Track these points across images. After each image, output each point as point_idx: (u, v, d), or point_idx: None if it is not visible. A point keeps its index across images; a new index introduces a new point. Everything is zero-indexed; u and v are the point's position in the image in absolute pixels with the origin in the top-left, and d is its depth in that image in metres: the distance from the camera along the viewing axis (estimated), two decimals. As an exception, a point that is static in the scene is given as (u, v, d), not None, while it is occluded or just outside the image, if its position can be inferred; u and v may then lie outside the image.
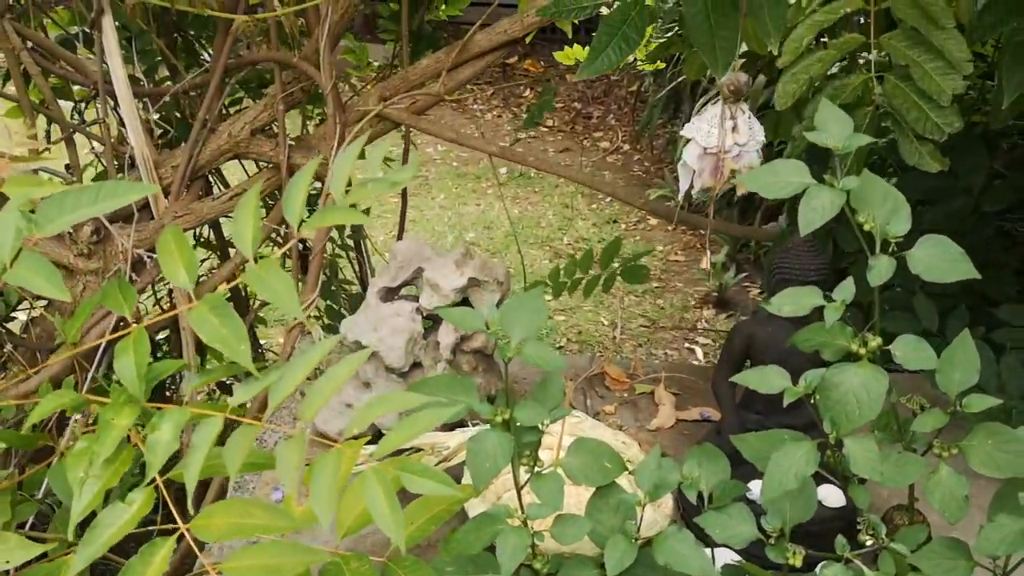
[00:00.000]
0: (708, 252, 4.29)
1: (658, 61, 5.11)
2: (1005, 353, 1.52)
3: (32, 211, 0.75)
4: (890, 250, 0.88)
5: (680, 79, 5.08)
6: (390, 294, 1.32)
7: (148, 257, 1.52)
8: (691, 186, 1.45)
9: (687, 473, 0.94)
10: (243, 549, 0.74)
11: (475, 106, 7.34)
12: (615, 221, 5.17)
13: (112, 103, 1.66)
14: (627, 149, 6.42)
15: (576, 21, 1.64)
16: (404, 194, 2.58)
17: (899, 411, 0.99)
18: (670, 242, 4.91)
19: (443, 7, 2.70)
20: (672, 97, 5.55)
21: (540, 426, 0.92)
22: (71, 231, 1.51)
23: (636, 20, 1.47)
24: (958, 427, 0.94)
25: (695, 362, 3.77)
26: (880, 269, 0.86)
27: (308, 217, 0.75)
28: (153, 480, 0.74)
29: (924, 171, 1.35)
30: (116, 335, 0.80)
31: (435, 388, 0.92)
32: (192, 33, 2.23)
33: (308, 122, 2.37)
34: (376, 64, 3.00)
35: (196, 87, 1.76)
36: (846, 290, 0.93)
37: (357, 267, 2.52)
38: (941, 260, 0.85)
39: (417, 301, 1.30)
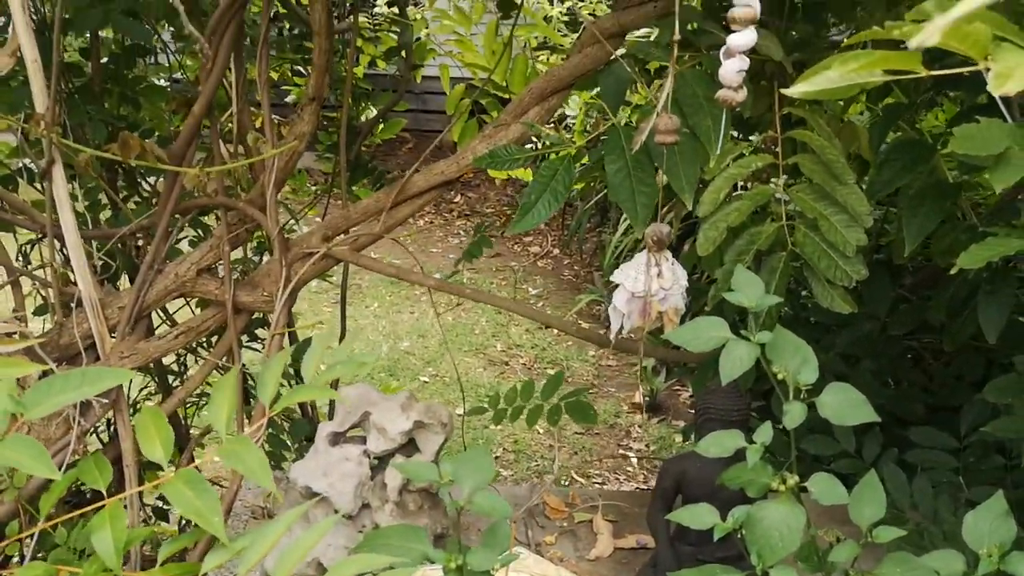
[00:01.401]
0: (640, 386, 4.41)
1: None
2: (917, 475, 1.62)
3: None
4: (802, 396, 0.98)
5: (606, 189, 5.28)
6: (337, 438, 1.37)
7: (96, 401, 1.53)
8: (621, 327, 1.54)
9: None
10: None
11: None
12: (547, 327, 5.27)
13: (59, 245, 1.69)
14: (557, 254, 6.59)
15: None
16: (343, 308, 2.64)
17: (818, 542, 1.07)
18: (600, 348, 5.03)
19: (378, 131, 2.82)
20: (600, 203, 5.76)
21: (490, 571, 0.97)
22: (15, 377, 1.51)
23: (563, 175, 1.58)
24: (873, 555, 1.02)
25: (629, 469, 3.83)
26: (794, 414, 0.95)
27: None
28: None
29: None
30: (92, 507, 0.83)
31: (389, 538, 0.97)
32: (132, 165, 2.29)
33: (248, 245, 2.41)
34: (313, 188, 3.09)
35: (142, 228, 1.80)
36: (764, 432, 1.02)
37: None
38: (846, 405, 0.95)
39: (364, 443, 1.34)
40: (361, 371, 0.96)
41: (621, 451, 3.98)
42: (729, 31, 1.03)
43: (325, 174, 3.13)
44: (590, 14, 4.35)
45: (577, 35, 1.82)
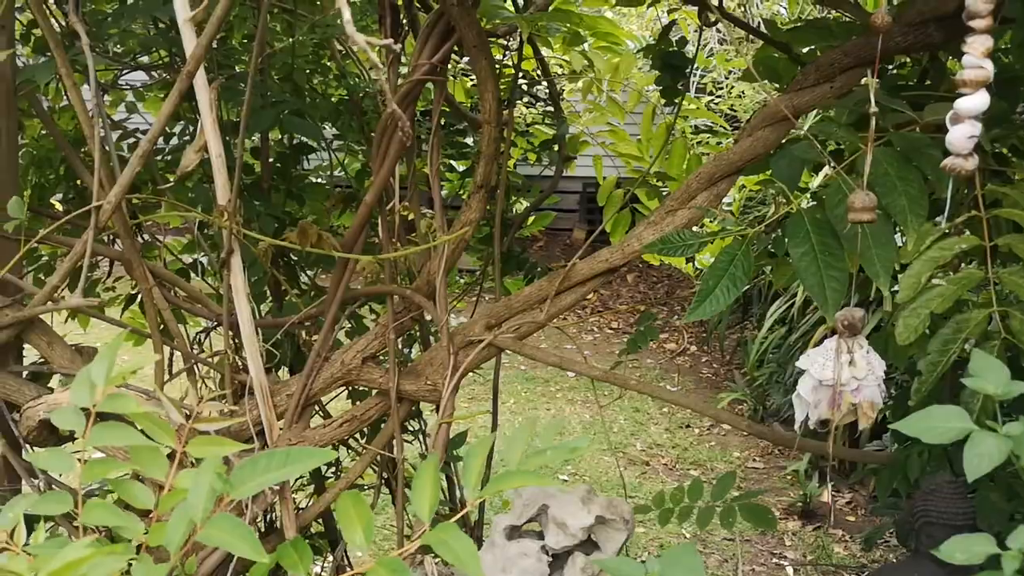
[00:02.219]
0: (828, 483, 4.19)
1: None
2: None
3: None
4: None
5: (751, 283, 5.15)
6: (514, 532, 1.30)
7: (268, 489, 1.52)
8: (807, 418, 1.43)
9: None
10: None
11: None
12: (688, 426, 5.10)
13: (232, 334, 1.72)
14: (694, 351, 6.43)
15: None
16: (495, 399, 2.60)
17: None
18: (746, 448, 4.81)
19: (529, 224, 2.82)
20: (740, 299, 5.61)
21: None
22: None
23: (742, 260, 1.51)
24: None
25: (787, 581, 3.59)
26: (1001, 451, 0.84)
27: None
28: None
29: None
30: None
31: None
32: (294, 259, 2.35)
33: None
34: (461, 281, 3.11)
35: (310, 317, 1.82)
36: (1021, 538, 0.89)
37: (447, 484, 2.50)
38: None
39: (541, 538, 1.27)
40: (559, 460, 0.90)
41: (775, 559, 3.73)
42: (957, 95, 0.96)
43: (471, 270, 3.15)
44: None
45: (747, 119, 1.77)
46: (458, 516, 0.86)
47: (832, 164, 1.45)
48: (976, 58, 0.90)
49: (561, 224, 8.72)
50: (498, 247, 2.22)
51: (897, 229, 1.43)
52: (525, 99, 2.73)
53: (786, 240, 1.47)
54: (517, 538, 1.30)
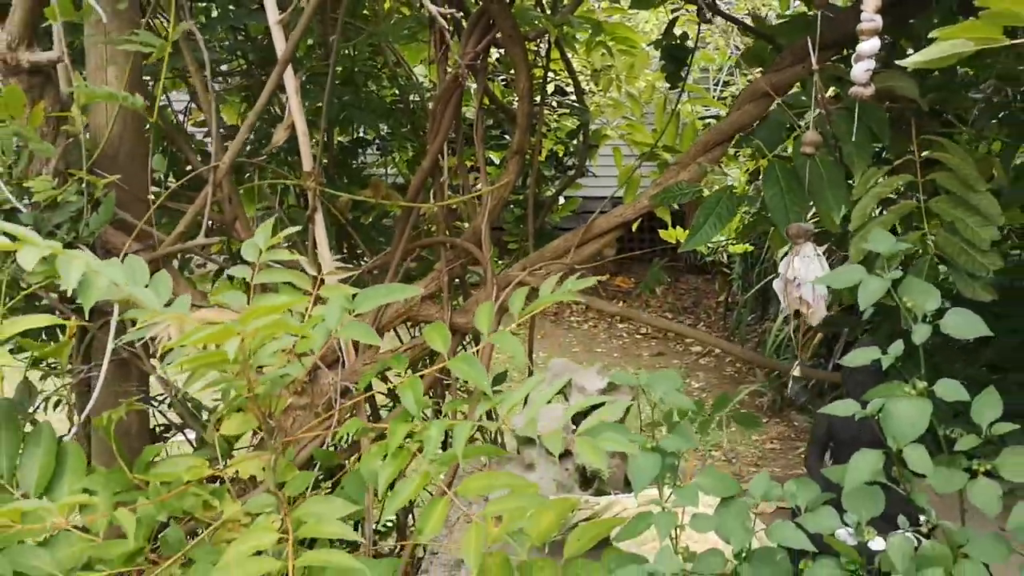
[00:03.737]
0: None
1: (746, 245, 5.51)
2: None
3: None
4: (927, 320, 1.22)
5: (768, 278, 5.47)
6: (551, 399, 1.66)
7: (350, 387, 1.89)
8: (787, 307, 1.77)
9: (787, 489, 1.24)
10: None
11: (572, 318, 7.84)
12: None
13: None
14: (718, 352, 6.74)
15: (677, 205, 2.06)
16: (531, 338, 2.95)
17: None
18: (763, 432, 5.11)
19: (559, 209, 3.20)
20: (759, 296, 5.93)
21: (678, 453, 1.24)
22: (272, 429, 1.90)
23: (727, 202, 1.88)
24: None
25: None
26: (921, 332, 1.19)
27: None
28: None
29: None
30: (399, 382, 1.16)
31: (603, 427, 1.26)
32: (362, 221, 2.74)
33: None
34: (500, 263, 3.49)
35: (377, 266, 2.21)
36: (896, 347, 1.25)
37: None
38: (964, 323, 1.18)
39: (566, 402, 1.63)
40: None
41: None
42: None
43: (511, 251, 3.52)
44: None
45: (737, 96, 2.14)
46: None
47: (798, 124, 1.82)
48: (870, 13, 1.26)
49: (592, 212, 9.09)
50: (532, 224, 2.61)
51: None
52: (553, 97, 3.12)
53: (762, 183, 1.83)
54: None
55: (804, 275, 1.58)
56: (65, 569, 1.16)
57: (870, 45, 1.26)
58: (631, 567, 1.16)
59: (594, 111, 3.00)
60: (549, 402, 1.59)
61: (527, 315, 1.35)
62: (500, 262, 2.73)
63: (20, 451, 1.27)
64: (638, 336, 7.27)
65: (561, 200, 3.28)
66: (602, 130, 3.02)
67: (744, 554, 1.26)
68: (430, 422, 1.10)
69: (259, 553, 1.03)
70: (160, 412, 2.37)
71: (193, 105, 2.80)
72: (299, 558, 0.99)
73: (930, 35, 1.07)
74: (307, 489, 1.19)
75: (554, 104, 3.10)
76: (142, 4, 2.01)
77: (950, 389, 1.19)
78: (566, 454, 1.62)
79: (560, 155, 3.17)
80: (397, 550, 2.17)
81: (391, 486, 1.07)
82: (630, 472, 1.22)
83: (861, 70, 1.27)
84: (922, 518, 1.22)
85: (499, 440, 2.23)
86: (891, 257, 1.26)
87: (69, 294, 1.07)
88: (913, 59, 1.08)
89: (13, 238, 1.06)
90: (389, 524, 2.95)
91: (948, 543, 1.16)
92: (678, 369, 6.42)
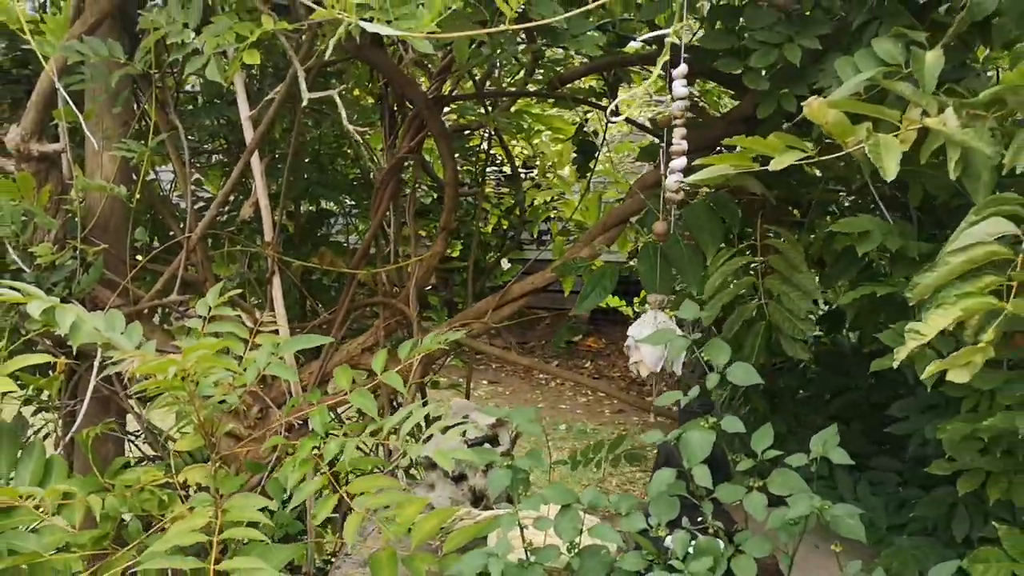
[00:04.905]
0: None
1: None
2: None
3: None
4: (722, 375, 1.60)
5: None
6: (447, 430, 2.03)
7: (298, 423, 2.26)
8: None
9: (612, 500, 1.62)
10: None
11: (540, 377, 8.20)
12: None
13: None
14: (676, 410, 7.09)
15: (577, 276, 2.46)
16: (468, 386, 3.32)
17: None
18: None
19: (501, 276, 3.60)
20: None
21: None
22: (244, 409, 2.28)
23: (610, 275, 2.28)
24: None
25: None
26: (712, 379, 1.59)
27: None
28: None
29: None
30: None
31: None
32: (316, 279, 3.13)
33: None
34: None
35: (325, 321, 2.59)
36: (693, 391, 1.64)
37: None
38: (744, 373, 1.57)
39: (464, 435, 2.01)
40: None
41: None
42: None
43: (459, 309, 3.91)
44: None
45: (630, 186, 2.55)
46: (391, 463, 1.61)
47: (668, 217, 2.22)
48: (678, 139, 1.67)
49: (566, 305, 9.53)
50: (471, 286, 3.00)
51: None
52: (493, 176, 3.54)
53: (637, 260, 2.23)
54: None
55: (636, 335, 1.97)
56: (48, 550, 1.52)
57: (679, 163, 1.67)
58: (476, 551, 1.53)
59: (530, 192, 3.42)
60: (444, 432, 1.97)
61: (412, 358, 1.74)
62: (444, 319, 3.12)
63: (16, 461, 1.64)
64: (601, 395, 7.63)
65: (507, 265, 3.68)
66: (539, 207, 3.44)
67: (576, 550, 1.62)
68: (331, 439, 1.48)
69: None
70: (136, 446, 2.73)
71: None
72: (224, 533, 1.36)
73: (698, 161, 1.48)
74: (239, 491, 1.56)
75: (495, 183, 3.52)
76: (136, 98, 2.43)
77: (731, 423, 1.58)
78: (461, 477, 1.99)
79: (504, 227, 3.58)
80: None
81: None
82: (489, 482, 1.60)
83: (672, 181, 1.68)
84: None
85: (416, 468, 2.60)
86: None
87: (64, 337, 1.44)
88: (693, 177, 1.48)
89: (22, 293, 1.45)
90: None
91: (720, 538, 1.54)
92: (635, 424, 6.77)
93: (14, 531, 1.53)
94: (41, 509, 1.54)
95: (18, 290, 1.48)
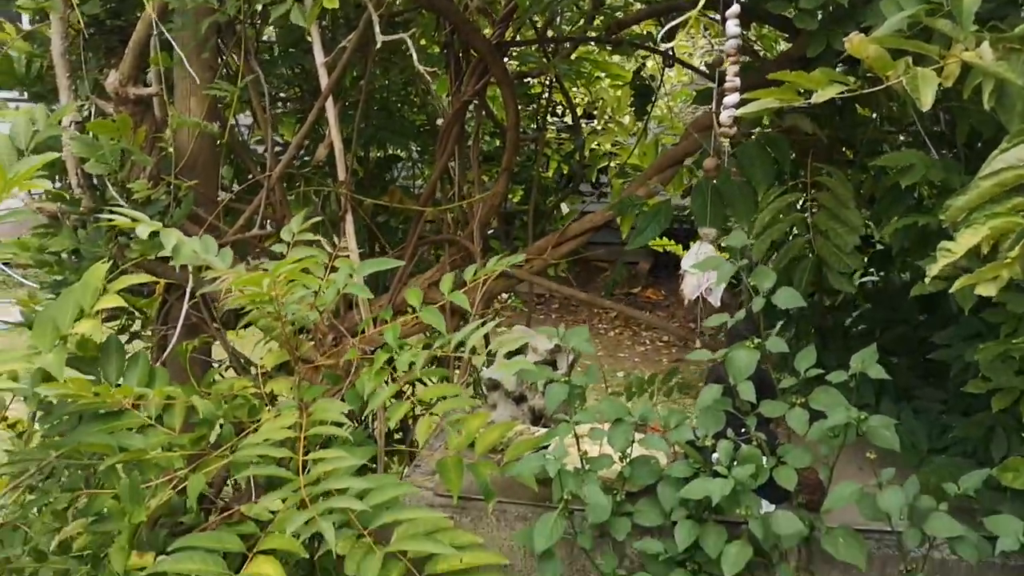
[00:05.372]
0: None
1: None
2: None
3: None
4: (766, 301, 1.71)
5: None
6: (510, 355, 2.18)
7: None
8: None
9: (661, 413, 1.74)
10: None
11: (600, 326, 8.32)
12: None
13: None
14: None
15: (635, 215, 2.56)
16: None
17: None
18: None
19: (560, 221, 3.71)
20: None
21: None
22: (320, 337, 2.45)
23: (664, 211, 2.38)
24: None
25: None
26: (758, 303, 1.69)
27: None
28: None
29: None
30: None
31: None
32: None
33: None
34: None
35: (395, 258, 2.74)
36: (739, 314, 1.75)
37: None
38: (789, 297, 1.67)
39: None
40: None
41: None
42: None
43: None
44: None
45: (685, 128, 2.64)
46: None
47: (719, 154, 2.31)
48: (731, 76, 1.76)
49: (629, 257, 9.60)
50: (531, 227, 3.13)
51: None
52: (553, 124, 3.64)
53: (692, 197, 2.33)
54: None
55: (686, 264, 2.07)
56: (153, 449, 1.71)
57: (732, 99, 1.76)
58: (535, 455, 1.67)
59: (590, 138, 3.52)
60: (508, 357, 2.11)
61: (478, 279, 1.90)
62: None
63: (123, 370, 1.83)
64: (659, 343, 7.72)
65: (566, 209, 3.79)
66: (599, 151, 3.53)
67: (628, 459, 1.76)
68: (404, 351, 1.63)
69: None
70: (220, 374, 2.93)
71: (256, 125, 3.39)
72: (309, 431, 1.53)
73: (745, 96, 1.58)
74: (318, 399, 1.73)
75: (555, 130, 3.62)
76: (219, 47, 2.59)
77: (775, 344, 1.69)
78: (522, 398, 2.13)
79: (564, 172, 3.69)
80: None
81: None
82: (547, 397, 1.74)
83: (725, 117, 1.78)
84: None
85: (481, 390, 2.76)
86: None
87: (158, 268, 1.60)
88: (742, 110, 1.58)
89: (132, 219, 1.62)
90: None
91: (763, 451, 1.66)
92: (692, 372, 6.87)
93: (125, 432, 1.72)
94: (145, 413, 1.72)
95: (129, 216, 1.66)
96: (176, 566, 1.54)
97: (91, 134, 2.11)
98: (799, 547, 1.74)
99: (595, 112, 3.64)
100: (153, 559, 1.58)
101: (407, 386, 1.67)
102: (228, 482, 2.62)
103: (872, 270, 2.75)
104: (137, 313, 2.34)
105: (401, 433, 2.95)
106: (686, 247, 4.36)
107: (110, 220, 1.61)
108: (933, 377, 2.25)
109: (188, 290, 2.12)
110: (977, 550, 1.54)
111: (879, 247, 2.60)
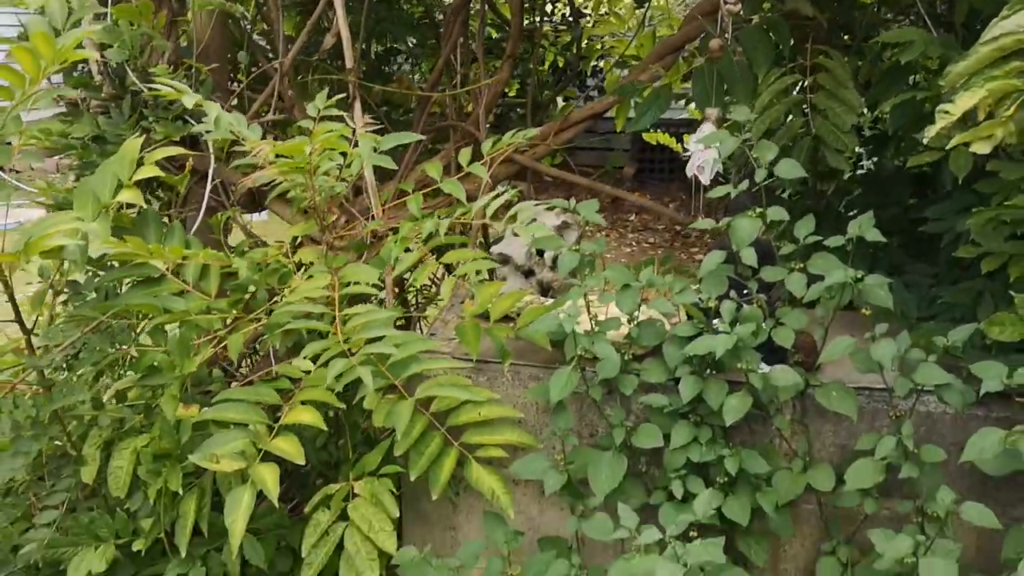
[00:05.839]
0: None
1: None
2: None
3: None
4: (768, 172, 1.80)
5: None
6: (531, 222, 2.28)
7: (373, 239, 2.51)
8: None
9: (666, 279, 1.85)
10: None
11: (588, 227, 8.42)
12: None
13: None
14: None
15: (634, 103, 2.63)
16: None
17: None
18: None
19: (556, 114, 3.77)
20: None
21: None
22: (333, 219, 2.53)
23: (663, 97, 2.45)
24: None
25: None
26: (760, 174, 1.79)
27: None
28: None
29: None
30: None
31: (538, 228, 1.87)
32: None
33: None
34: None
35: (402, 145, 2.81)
36: (741, 185, 1.84)
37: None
38: (790, 168, 1.77)
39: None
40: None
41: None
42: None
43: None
44: None
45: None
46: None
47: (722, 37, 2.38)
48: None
49: (615, 162, 9.67)
50: (529, 116, 3.19)
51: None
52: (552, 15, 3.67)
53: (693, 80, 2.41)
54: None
55: (692, 143, 2.16)
56: (194, 312, 1.81)
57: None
58: (549, 315, 1.79)
59: (587, 30, 3.55)
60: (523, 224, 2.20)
61: (494, 152, 1.98)
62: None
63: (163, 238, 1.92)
64: (646, 245, 7.86)
65: (562, 103, 3.85)
66: (594, 45, 3.57)
67: (635, 322, 1.88)
68: (425, 219, 1.73)
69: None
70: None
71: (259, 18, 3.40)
72: (342, 290, 1.63)
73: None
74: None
75: (553, 21, 3.65)
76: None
77: (777, 212, 1.80)
78: (530, 272, 2.24)
79: (560, 65, 3.73)
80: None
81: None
82: (559, 264, 1.84)
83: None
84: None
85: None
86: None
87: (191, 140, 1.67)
88: None
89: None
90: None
91: (762, 311, 1.78)
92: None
93: (168, 295, 1.82)
94: (182, 279, 1.82)
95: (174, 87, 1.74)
96: (219, 415, 1.67)
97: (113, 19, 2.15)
98: (794, 402, 1.88)
99: (589, 5, 3.67)
100: (198, 410, 1.70)
101: (430, 254, 1.77)
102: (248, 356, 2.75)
103: (863, 161, 2.85)
104: (162, 194, 2.41)
105: (416, 306, 3.08)
106: (679, 140, 4.43)
107: (156, 91, 1.68)
108: (924, 256, 2.37)
109: (211, 170, 2.19)
110: (962, 396, 1.68)
111: (873, 132, 2.70)
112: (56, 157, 2.51)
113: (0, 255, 1.41)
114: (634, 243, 7.97)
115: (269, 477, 1.58)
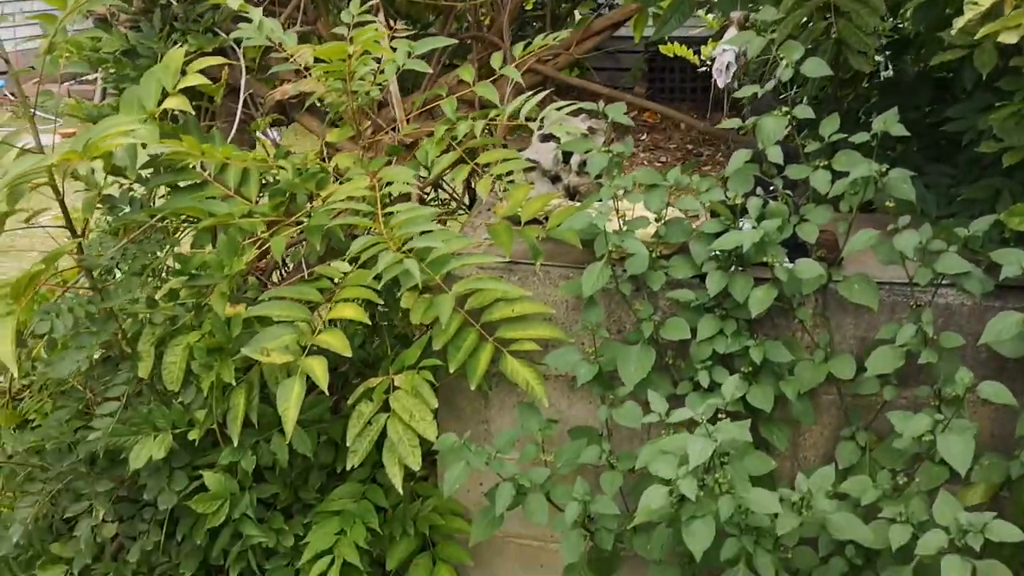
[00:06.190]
0: None
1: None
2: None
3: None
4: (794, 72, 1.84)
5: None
6: (545, 138, 2.32)
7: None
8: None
9: (694, 180, 1.91)
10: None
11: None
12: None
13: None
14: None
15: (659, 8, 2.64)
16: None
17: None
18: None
19: (576, 24, 3.76)
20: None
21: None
22: (360, 130, 2.58)
23: (687, 2, 2.47)
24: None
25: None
26: (786, 73, 1.83)
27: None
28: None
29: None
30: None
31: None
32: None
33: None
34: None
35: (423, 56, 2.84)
36: (768, 84, 1.88)
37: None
38: (816, 66, 1.80)
39: (558, 141, 2.29)
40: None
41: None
42: None
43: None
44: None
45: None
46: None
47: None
48: None
49: (628, 83, 9.61)
50: (549, 29, 3.18)
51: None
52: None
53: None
54: (545, 141, 2.32)
55: (720, 47, 2.19)
56: (236, 216, 1.87)
57: None
58: (580, 214, 1.85)
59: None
60: (548, 139, 2.25)
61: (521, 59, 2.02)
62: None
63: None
64: (657, 165, 7.86)
65: (579, 17, 3.82)
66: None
67: (663, 221, 1.94)
68: (460, 121, 1.78)
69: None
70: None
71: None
72: (383, 190, 1.70)
73: None
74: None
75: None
76: None
77: (803, 111, 1.84)
78: (557, 178, 2.29)
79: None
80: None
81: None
82: (589, 164, 1.90)
83: None
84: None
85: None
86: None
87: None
88: None
89: None
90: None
91: (786, 206, 1.84)
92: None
93: (235, 198, 1.88)
94: (224, 184, 1.88)
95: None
96: (265, 311, 1.75)
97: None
98: (816, 296, 1.95)
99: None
100: (244, 308, 1.78)
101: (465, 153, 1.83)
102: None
103: (882, 72, 2.86)
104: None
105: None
106: (696, 52, 4.41)
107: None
108: (944, 159, 2.41)
109: (242, 81, 2.23)
110: (981, 284, 1.74)
111: (891, 39, 2.70)
112: (66, 84, 2.55)
113: (63, 154, 1.47)
114: (645, 163, 7.97)
115: (318, 367, 1.66)
